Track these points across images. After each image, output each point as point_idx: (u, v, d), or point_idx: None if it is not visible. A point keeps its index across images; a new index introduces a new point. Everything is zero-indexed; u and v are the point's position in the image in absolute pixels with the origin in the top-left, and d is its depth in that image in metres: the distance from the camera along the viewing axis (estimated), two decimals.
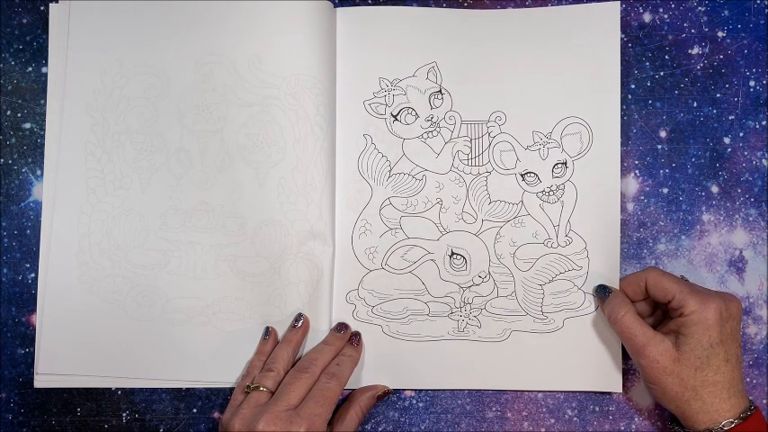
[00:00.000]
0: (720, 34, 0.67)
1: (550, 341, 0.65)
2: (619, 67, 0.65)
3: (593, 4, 0.65)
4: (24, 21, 0.67)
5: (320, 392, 0.59)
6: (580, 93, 0.65)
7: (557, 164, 0.65)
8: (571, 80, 0.65)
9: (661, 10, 0.67)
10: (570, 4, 0.66)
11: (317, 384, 0.59)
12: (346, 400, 0.64)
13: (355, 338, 0.64)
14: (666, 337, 0.59)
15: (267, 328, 0.64)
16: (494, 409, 0.66)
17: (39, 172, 0.66)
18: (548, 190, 0.65)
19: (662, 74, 0.67)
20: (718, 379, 0.58)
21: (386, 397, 0.65)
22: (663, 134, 0.67)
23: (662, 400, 0.60)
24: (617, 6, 0.65)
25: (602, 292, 0.64)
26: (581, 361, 0.65)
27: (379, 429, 0.66)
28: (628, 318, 0.60)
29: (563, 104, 0.65)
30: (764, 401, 0.66)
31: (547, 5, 0.66)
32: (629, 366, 0.65)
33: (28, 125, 0.67)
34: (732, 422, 0.57)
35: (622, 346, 0.64)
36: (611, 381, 0.65)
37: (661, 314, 0.64)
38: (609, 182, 0.65)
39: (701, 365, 0.58)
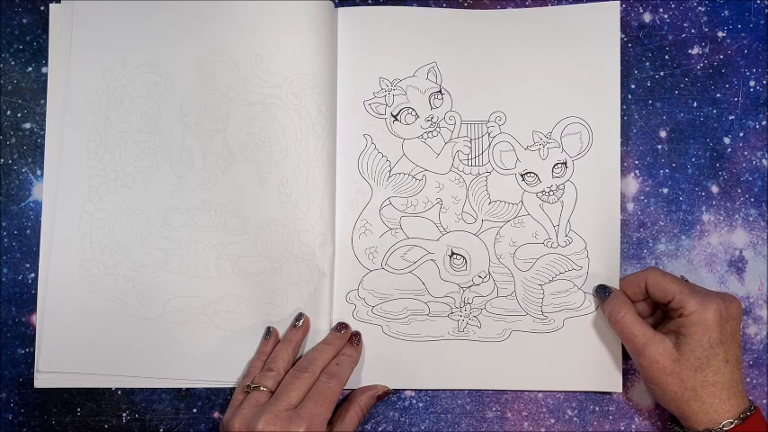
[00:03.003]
0: (720, 34, 0.67)
1: (550, 341, 0.65)
2: (619, 67, 0.65)
3: (593, 4, 0.66)
4: (24, 21, 0.67)
5: (320, 392, 0.59)
6: (580, 93, 0.65)
7: (557, 164, 0.65)
8: (571, 80, 0.65)
9: (661, 10, 0.67)
10: (570, 3, 0.66)
11: (316, 384, 0.59)
12: (346, 399, 0.64)
13: (355, 338, 0.64)
14: (666, 338, 0.59)
15: (268, 328, 0.64)
16: (494, 409, 0.66)
17: (39, 172, 0.66)
18: (548, 190, 0.65)
19: (662, 74, 0.67)
20: (717, 379, 0.58)
21: (386, 397, 0.65)
22: (663, 134, 0.67)
23: (662, 400, 0.60)
24: (617, 6, 0.65)
25: (602, 292, 0.64)
26: (581, 361, 0.65)
27: (379, 429, 0.66)
28: (628, 318, 0.60)
29: (563, 104, 0.65)
30: (764, 401, 0.66)
31: (547, 5, 0.66)
32: (629, 366, 0.65)
33: (28, 125, 0.66)
34: (732, 422, 0.57)
35: (622, 346, 0.64)
36: (611, 381, 0.65)
37: (661, 314, 0.64)
38: (609, 182, 0.65)
39: (700, 366, 0.58)
